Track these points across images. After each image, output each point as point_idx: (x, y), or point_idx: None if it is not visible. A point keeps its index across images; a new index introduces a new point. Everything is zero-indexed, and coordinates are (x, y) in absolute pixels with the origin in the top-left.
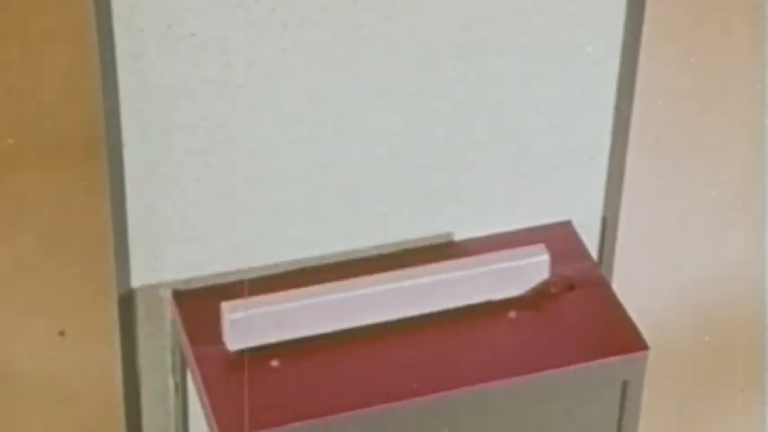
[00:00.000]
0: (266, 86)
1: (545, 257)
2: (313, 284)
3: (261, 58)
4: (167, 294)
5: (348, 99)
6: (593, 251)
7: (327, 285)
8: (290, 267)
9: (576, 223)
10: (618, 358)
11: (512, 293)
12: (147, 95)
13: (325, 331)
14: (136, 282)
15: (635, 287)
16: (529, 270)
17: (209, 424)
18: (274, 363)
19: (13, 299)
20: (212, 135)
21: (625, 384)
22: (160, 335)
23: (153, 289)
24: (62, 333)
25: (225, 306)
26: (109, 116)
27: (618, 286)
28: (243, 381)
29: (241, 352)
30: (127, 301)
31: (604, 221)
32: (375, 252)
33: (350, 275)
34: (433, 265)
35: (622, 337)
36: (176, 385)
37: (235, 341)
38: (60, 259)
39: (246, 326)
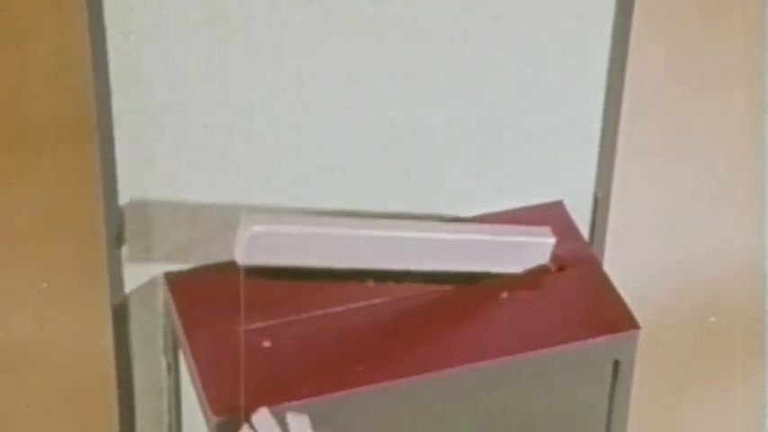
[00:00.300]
0: (258, 68)
1: (551, 241)
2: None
3: (252, 40)
4: (159, 276)
5: (341, 80)
6: (585, 231)
7: (345, 220)
8: None
9: (567, 203)
10: (609, 338)
11: (511, 269)
12: (139, 76)
13: (332, 266)
14: (128, 266)
15: (627, 267)
16: (533, 250)
17: (201, 405)
18: (266, 343)
19: (2, 282)
20: (204, 118)
21: (617, 364)
22: (152, 316)
23: (144, 270)
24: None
25: (244, 218)
26: (100, 97)
27: (609, 266)
28: (235, 361)
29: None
30: (119, 284)
31: (596, 201)
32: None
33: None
34: (445, 223)
35: (614, 317)
36: (169, 366)
37: (246, 256)
38: (51, 243)
39: (261, 242)
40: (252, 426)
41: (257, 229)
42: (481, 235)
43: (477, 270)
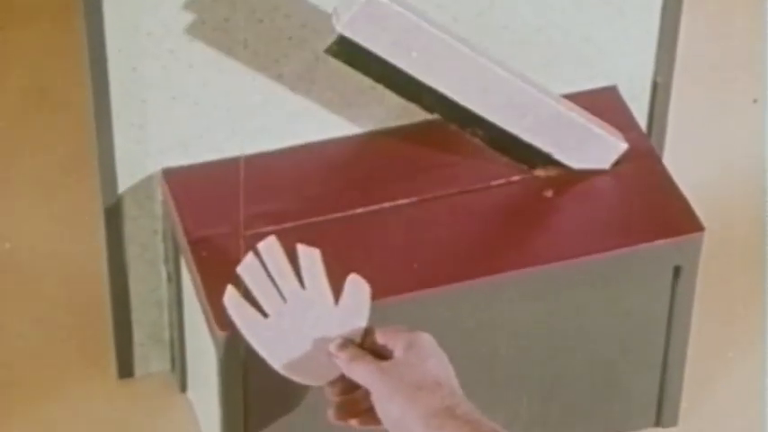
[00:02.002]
0: None
1: (623, 146)
2: (323, 162)
3: None
4: (157, 172)
5: None
6: (642, 120)
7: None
8: (292, 143)
9: (622, 88)
10: (669, 241)
11: (569, 162)
12: None
13: (420, 75)
14: (120, 157)
15: (689, 161)
16: (602, 147)
17: (206, 317)
18: None
19: None
20: None
21: (678, 270)
22: (149, 219)
23: (140, 166)
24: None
25: None
26: None
27: (670, 161)
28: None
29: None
30: (111, 182)
31: (655, 86)
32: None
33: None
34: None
35: (674, 218)
36: (169, 275)
37: (350, 27)
38: (38, 129)
39: (374, 15)
40: (257, 253)
41: None
42: (561, 105)
43: (540, 147)
